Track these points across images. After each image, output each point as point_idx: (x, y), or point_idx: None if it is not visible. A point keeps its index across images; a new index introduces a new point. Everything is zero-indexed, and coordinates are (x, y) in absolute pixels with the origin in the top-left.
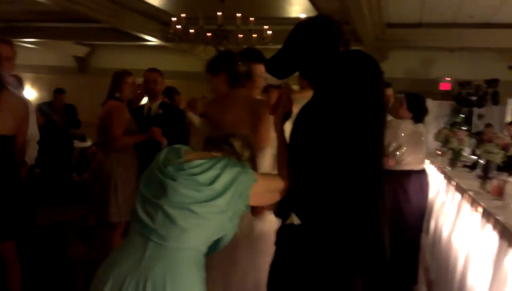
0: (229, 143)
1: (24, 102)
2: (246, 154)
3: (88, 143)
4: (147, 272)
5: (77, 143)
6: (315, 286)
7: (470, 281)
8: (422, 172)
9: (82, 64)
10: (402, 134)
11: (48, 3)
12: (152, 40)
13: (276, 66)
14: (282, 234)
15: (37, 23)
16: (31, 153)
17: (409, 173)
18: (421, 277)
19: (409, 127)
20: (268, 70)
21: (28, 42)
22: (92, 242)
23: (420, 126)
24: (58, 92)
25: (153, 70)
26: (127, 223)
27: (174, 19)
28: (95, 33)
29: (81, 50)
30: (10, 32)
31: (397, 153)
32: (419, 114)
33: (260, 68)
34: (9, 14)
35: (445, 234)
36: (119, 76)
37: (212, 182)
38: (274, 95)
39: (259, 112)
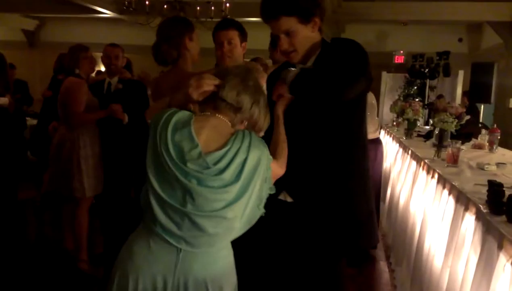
0: (220, 98)
1: None
2: (245, 100)
3: None
4: (186, 273)
5: (30, 121)
6: (302, 262)
7: (427, 244)
8: (377, 141)
9: (32, 38)
10: None
11: None
12: (106, 12)
13: None
14: (272, 208)
15: None
16: None
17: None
18: (379, 243)
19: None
20: None
21: None
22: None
23: (370, 96)
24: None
25: (114, 45)
26: (92, 198)
27: None
28: (44, 5)
29: (30, 24)
30: None
31: None
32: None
33: (223, 35)
34: None
35: (402, 201)
36: (76, 51)
37: (238, 175)
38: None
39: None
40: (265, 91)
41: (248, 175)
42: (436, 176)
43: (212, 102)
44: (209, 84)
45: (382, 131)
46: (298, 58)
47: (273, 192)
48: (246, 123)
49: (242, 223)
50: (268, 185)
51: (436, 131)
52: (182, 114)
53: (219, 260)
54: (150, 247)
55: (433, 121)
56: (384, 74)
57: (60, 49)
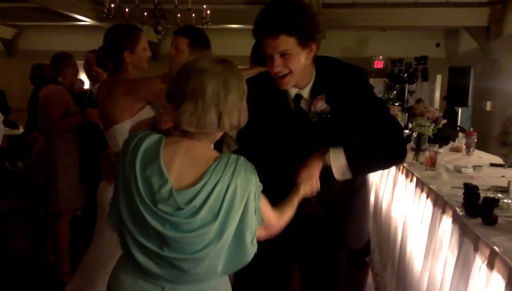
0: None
1: None
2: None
3: (20, 130)
4: None
5: (8, 131)
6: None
7: (409, 248)
8: None
9: (9, 46)
10: None
11: None
12: (85, 20)
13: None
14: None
15: None
16: None
17: None
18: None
19: None
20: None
21: None
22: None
23: None
24: None
25: (95, 52)
26: (73, 211)
27: None
28: (22, 13)
29: (7, 32)
30: None
31: None
32: None
33: (173, 40)
34: None
35: (384, 205)
36: (60, 60)
37: (217, 213)
38: None
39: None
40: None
41: (229, 208)
42: (414, 179)
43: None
44: (167, 121)
45: None
46: (293, 82)
47: (261, 224)
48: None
49: (227, 263)
50: (258, 216)
51: (414, 135)
52: (152, 140)
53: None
54: (136, 283)
55: (411, 126)
56: None
57: (39, 58)
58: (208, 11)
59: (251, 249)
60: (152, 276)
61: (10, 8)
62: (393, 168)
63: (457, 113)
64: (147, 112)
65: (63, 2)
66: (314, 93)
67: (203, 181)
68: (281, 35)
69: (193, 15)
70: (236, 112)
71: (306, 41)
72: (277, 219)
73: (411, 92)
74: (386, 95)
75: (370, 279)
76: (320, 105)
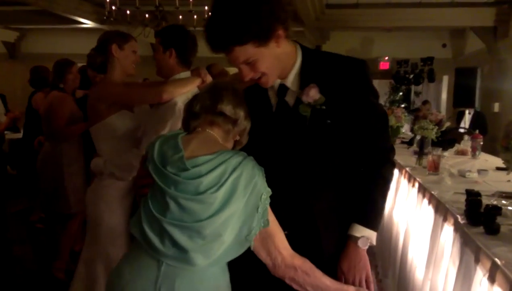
0: (219, 113)
1: None
2: (241, 113)
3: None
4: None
5: (9, 135)
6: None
7: (410, 256)
8: None
9: (12, 50)
10: None
11: None
12: (87, 23)
13: None
14: None
15: None
16: None
17: None
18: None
19: None
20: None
21: None
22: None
23: None
24: None
25: None
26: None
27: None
28: (25, 17)
29: (10, 35)
30: None
31: None
32: None
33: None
34: None
35: (386, 210)
36: (63, 66)
37: (218, 186)
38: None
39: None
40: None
41: (232, 191)
42: (416, 184)
43: (208, 118)
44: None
45: None
46: (273, 79)
47: (266, 226)
48: (238, 138)
49: (223, 248)
50: (261, 216)
51: (418, 138)
52: (172, 132)
53: (206, 280)
54: (136, 262)
55: (414, 129)
56: None
57: (41, 60)
58: (210, 13)
59: (244, 243)
60: (153, 250)
61: (12, 12)
62: (396, 172)
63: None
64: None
65: (65, 5)
66: (303, 83)
67: (212, 156)
68: (234, 48)
69: (195, 16)
70: (248, 126)
71: (266, 37)
72: (290, 256)
73: (417, 94)
74: (391, 97)
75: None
76: (313, 94)
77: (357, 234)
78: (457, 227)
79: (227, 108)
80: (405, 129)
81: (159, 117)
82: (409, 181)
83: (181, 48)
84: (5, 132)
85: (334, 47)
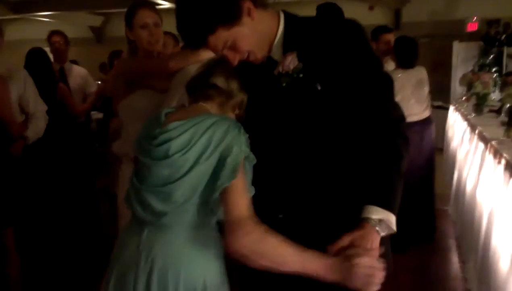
0: (211, 86)
1: None
2: (234, 85)
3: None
4: (148, 255)
5: (95, 115)
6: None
7: (494, 241)
8: (424, 122)
9: (99, 34)
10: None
11: None
12: (164, 4)
13: None
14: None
15: None
16: (35, 127)
17: (412, 124)
18: (450, 231)
19: (401, 77)
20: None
21: (42, 15)
22: None
23: (417, 71)
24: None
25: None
26: None
27: None
28: (108, 1)
29: (96, 20)
30: (23, 7)
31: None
32: (404, 59)
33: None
34: None
35: (468, 187)
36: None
37: (186, 149)
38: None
39: None
40: None
41: (202, 152)
42: (503, 161)
43: (202, 92)
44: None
45: (451, 108)
46: (261, 56)
47: (233, 179)
48: (238, 111)
49: (196, 209)
50: (230, 169)
51: (507, 107)
52: (167, 109)
53: (186, 246)
54: (128, 230)
55: (502, 97)
56: (456, 44)
57: (125, 44)
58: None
59: (213, 196)
60: (138, 217)
61: None
62: (480, 145)
63: None
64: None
65: None
66: (286, 50)
67: (185, 121)
68: (208, 39)
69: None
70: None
71: (233, 17)
72: (248, 220)
73: (511, 56)
74: (481, 60)
75: (455, 266)
76: (289, 62)
77: (375, 216)
78: None
79: (219, 80)
80: (496, 96)
81: (172, 90)
82: (495, 156)
83: None
84: (92, 112)
85: (415, 10)
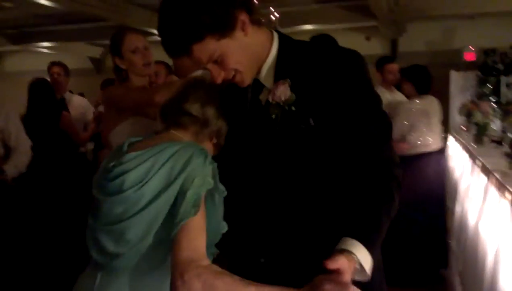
0: (184, 113)
1: None
2: (211, 112)
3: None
4: None
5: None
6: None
7: (502, 285)
8: (438, 153)
9: (98, 65)
10: (415, 115)
11: (47, 4)
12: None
13: None
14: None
15: (47, 26)
16: (16, 162)
17: (425, 155)
18: (453, 265)
19: (417, 104)
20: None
21: (42, 47)
22: None
23: (428, 101)
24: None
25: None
26: None
27: None
28: (106, 32)
29: (95, 51)
30: (22, 38)
31: (411, 135)
32: (421, 84)
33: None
34: (17, 20)
35: (471, 221)
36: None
37: (142, 182)
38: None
39: None
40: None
41: (160, 186)
42: (508, 195)
43: (174, 118)
44: None
45: (451, 138)
46: (249, 76)
47: (193, 216)
48: (215, 141)
49: (153, 248)
50: (191, 203)
51: (510, 136)
52: (135, 138)
53: (142, 288)
54: (84, 271)
55: (503, 126)
56: (453, 74)
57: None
58: (277, 14)
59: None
60: (93, 258)
61: (95, 28)
62: (482, 177)
63: None
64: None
65: (138, 18)
66: (278, 77)
67: (143, 151)
68: (193, 48)
69: (262, 20)
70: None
71: (225, 28)
72: (200, 261)
73: (508, 86)
74: (479, 90)
75: None
76: (281, 92)
77: (353, 250)
78: None
79: (193, 107)
80: (497, 126)
81: None
82: (499, 189)
83: None
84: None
85: (411, 40)
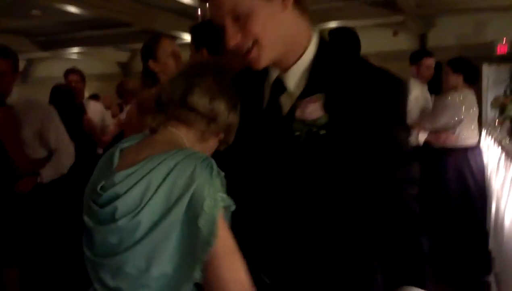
0: (189, 108)
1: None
2: (222, 105)
3: None
4: None
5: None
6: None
7: None
8: (473, 149)
9: (125, 69)
10: (463, 107)
11: (74, 11)
12: (186, 38)
13: None
14: None
15: (75, 33)
16: (55, 164)
17: (471, 149)
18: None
19: (468, 96)
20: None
21: (71, 53)
22: None
23: (470, 93)
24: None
25: None
26: None
27: (199, 12)
28: (132, 37)
29: (122, 56)
30: (51, 45)
31: (458, 127)
32: (470, 74)
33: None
34: (46, 27)
35: (508, 220)
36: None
37: (138, 207)
38: None
39: None
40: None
41: (161, 209)
42: None
43: (175, 113)
44: None
45: (483, 132)
46: (267, 58)
47: (211, 245)
48: (223, 136)
49: (159, 285)
50: (206, 234)
51: None
52: (130, 138)
53: None
54: None
55: None
56: (486, 68)
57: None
58: None
59: (191, 275)
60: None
61: (122, 33)
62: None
63: None
64: None
65: (163, 22)
66: (310, 87)
67: (136, 167)
68: None
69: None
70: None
71: None
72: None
73: None
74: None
75: None
76: (312, 111)
77: None
78: None
79: (200, 103)
80: None
81: None
82: None
83: (213, 48)
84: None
85: (441, 34)
